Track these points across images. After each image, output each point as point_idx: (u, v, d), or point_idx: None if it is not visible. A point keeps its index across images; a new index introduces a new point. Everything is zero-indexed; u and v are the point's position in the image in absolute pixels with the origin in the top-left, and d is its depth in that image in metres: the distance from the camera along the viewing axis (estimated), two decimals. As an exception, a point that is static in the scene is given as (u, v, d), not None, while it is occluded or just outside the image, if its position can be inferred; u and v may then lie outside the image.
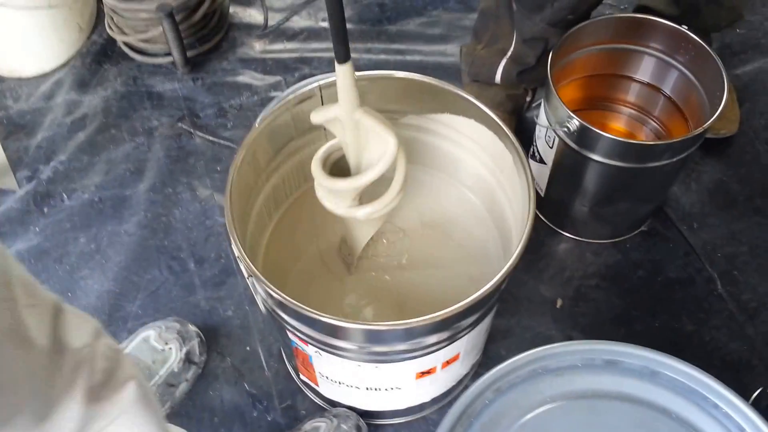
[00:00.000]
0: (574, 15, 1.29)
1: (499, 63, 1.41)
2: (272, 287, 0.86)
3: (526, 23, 1.31)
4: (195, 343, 1.27)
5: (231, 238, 0.89)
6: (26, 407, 0.58)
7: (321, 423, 1.18)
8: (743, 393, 0.81)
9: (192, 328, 1.29)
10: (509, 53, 1.38)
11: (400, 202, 0.98)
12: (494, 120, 1.01)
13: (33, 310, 0.62)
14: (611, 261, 1.44)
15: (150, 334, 1.26)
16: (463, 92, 1.03)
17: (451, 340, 0.98)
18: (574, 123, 1.18)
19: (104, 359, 0.70)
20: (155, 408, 0.79)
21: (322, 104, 1.06)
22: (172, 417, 1.25)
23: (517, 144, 0.98)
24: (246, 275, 0.91)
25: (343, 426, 1.16)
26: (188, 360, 1.26)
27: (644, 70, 1.36)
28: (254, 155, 1.01)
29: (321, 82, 1.03)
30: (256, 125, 0.99)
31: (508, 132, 0.99)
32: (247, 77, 1.71)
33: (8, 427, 0.57)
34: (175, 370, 1.23)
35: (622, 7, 1.83)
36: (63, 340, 0.65)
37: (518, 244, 0.91)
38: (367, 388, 1.08)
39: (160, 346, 1.24)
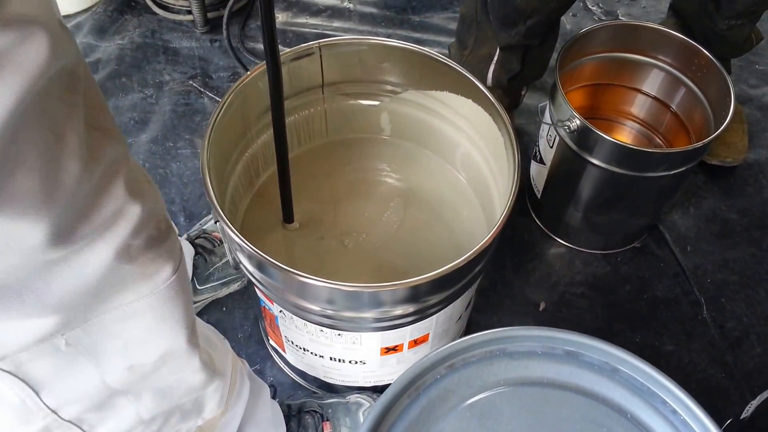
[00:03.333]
0: (548, 27, 1.30)
1: (488, 69, 1.40)
2: (234, 230, 0.85)
3: (502, 35, 1.31)
4: None
5: (203, 176, 0.88)
6: (45, 211, 0.52)
7: (365, 401, 1.18)
8: (715, 419, 0.79)
9: None
10: (496, 57, 1.37)
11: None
12: (491, 101, 1.00)
13: (96, 134, 0.57)
14: (600, 272, 1.43)
15: None
16: (463, 70, 1.02)
17: (419, 315, 0.97)
18: (576, 122, 1.17)
19: (155, 228, 0.64)
20: (187, 301, 0.73)
21: (321, 64, 1.06)
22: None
23: (509, 126, 0.97)
24: (214, 220, 0.90)
25: None
26: None
27: (652, 83, 1.35)
28: (244, 104, 1.00)
29: (321, 41, 1.03)
30: (249, 73, 0.98)
31: (502, 113, 0.98)
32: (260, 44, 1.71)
33: (19, 222, 0.50)
34: None
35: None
36: (115, 181, 0.59)
37: (495, 226, 0.90)
38: (330, 358, 1.07)
39: None
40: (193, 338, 0.76)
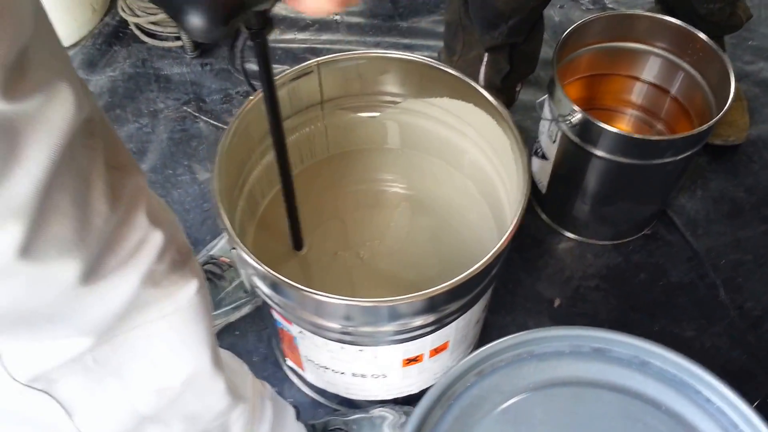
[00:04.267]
0: (531, 24, 1.30)
1: (479, 71, 1.39)
2: (252, 256, 0.84)
3: (485, 37, 1.31)
4: None
5: (215, 206, 0.88)
6: (77, 252, 0.55)
7: (389, 414, 1.17)
8: (743, 401, 0.79)
9: None
10: (485, 60, 1.36)
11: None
12: (492, 103, 0.99)
13: (116, 172, 0.59)
14: (612, 263, 1.42)
15: None
16: (461, 75, 1.02)
17: (438, 324, 0.96)
18: (577, 116, 1.16)
19: (176, 251, 0.67)
20: (209, 321, 0.75)
21: (320, 81, 1.05)
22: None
23: (513, 127, 0.97)
24: (230, 248, 0.90)
25: None
26: None
27: (650, 70, 1.35)
28: (247, 128, 1.00)
29: (320, 59, 1.02)
30: (251, 98, 0.98)
31: (505, 115, 0.98)
32: (255, 65, 1.70)
33: (53, 264, 0.53)
34: None
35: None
36: (137, 212, 0.62)
37: (510, 227, 0.89)
38: (353, 374, 1.06)
39: None
40: (217, 360, 0.77)
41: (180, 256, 0.68)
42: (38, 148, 0.48)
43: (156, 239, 0.63)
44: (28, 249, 0.49)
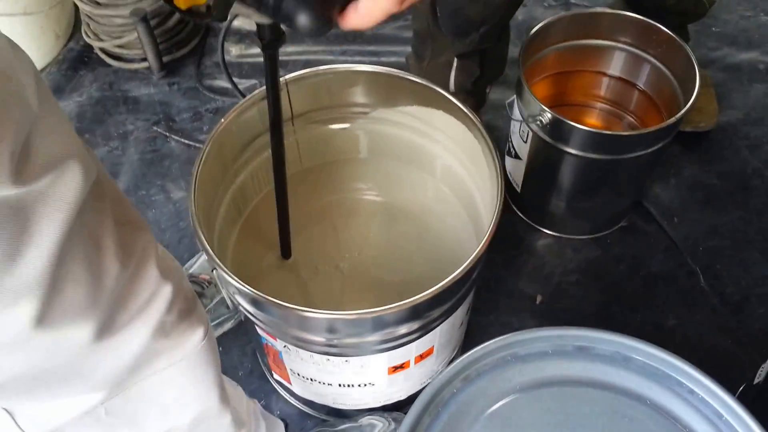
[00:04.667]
0: (501, 29, 1.31)
1: (449, 76, 1.39)
2: (234, 276, 0.84)
3: (457, 44, 1.31)
4: None
5: (195, 230, 0.88)
6: (91, 314, 0.56)
7: (378, 422, 1.17)
8: (729, 387, 0.79)
9: None
10: (455, 65, 1.37)
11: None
12: (462, 110, 1.00)
13: (125, 229, 0.60)
14: (591, 256, 1.43)
15: None
16: (429, 83, 1.02)
17: (423, 330, 0.96)
18: (547, 116, 1.17)
19: (183, 300, 0.69)
20: (216, 361, 0.78)
21: (289, 98, 1.05)
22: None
23: (485, 132, 0.97)
24: (211, 268, 0.89)
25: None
26: None
27: (616, 64, 1.36)
28: (220, 149, 1.00)
29: (288, 77, 1.02)
30: (223, 120, 0.98)
31: (476, 121, 0.98)
32: (222, 81, 1.70)
33: (68, 329, 0.54)
34: None
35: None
36: (147, 267, 0.63)
37: (487, 231, 0.89)
38: (339, 385, 1.06)
39: None
40: (224, 397, 0.80)
41: (186, 304, 0.69)
42: (49, 223, 0.49)
43: (166, 292, 0.64)
44: (42, 319, 0.50)
